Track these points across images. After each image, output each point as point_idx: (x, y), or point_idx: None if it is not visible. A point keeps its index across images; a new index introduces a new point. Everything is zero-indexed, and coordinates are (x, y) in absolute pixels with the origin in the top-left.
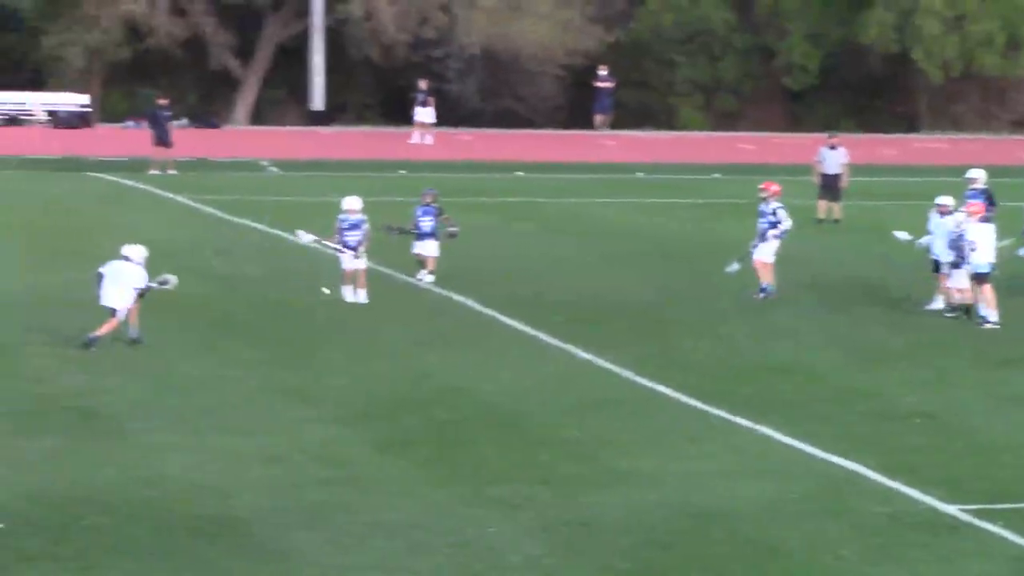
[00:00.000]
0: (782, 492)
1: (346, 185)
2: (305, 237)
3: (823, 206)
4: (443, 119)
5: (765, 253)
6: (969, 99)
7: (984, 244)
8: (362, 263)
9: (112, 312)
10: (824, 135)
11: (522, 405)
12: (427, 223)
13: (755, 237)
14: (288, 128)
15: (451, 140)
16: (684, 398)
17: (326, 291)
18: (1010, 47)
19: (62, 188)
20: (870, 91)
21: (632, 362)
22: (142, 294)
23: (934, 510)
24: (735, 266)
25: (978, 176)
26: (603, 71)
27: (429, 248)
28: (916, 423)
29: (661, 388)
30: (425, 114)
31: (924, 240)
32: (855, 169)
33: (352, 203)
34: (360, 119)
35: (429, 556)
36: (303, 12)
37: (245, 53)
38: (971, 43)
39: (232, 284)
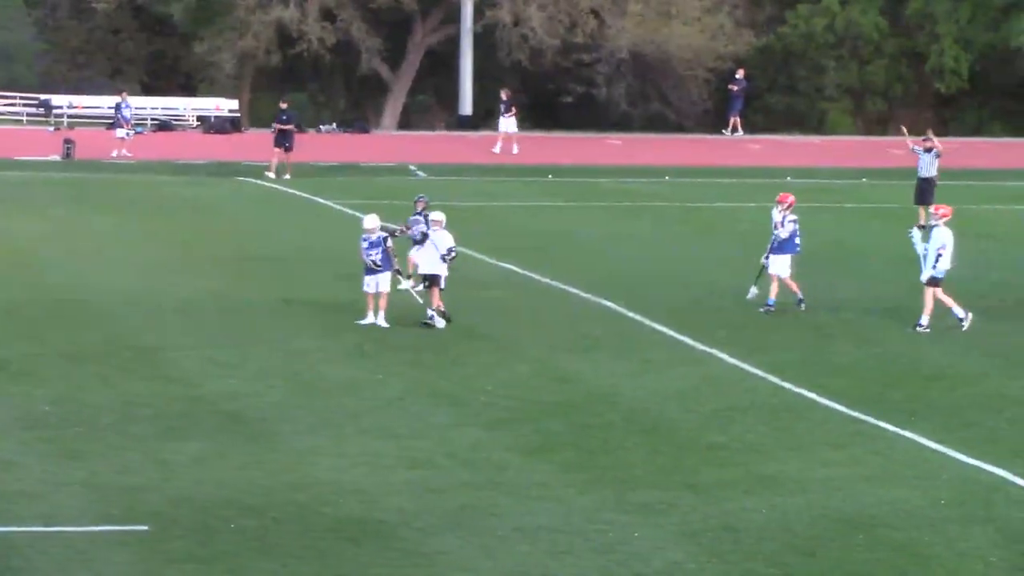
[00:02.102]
0: (929, 498)
1: (493, 189)
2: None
3: (923, 212)
4: (592, 124)
5: (781, 267)
6: None
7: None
8: (385, 286)
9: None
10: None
11: (667, 410)
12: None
13: (767, 250)
14: (436, 133)
15: (600, 144)
16: (830, 403)
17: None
18: None
19: (212, 193)
20: (1021, 95)
21: (778, 367)
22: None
23: None
24: (753, 291)
25: None
26: (739, 74)
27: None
28: None
29: (807, 393)
30: (508, 123)
31: None
32: (1010, 174)
33: (370, 222)
34: None
35: (573, 561)
36: (452, 18)
37: (394, 58)
38: None
39: None
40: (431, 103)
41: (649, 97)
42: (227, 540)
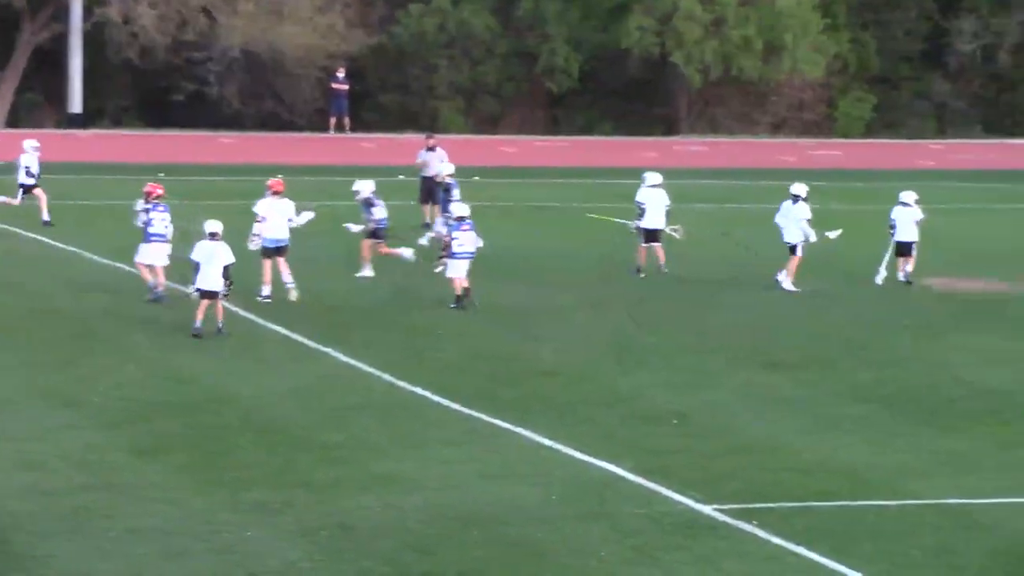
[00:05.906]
0: (543, 495)
1: (103, 188)
2: None
3: (427, 210)
4: (204, 122)
5: (158, 256)
6: (728, 103)
7: None
8: None
9: (212, 296)
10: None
11: (281, 409)
12: None
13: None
14: (45, 131)
15: (212, 143)
16: (445, 401)
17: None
18: (768, 52)
19: None
20: (630, 94)
21: (390, 365)
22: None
23: (691, 511)
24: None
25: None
26: (340, 73)
27: None
28: (673, 424)
29: (421, 391)
30: None
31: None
32: (616, 172)
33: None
34: (118, 122)
35: (187, 562)
36: (61, 15)
37: (1, 56)
38: (730, 47)
39: None
40: (41, 101)
41: (262, 95)
42: None
